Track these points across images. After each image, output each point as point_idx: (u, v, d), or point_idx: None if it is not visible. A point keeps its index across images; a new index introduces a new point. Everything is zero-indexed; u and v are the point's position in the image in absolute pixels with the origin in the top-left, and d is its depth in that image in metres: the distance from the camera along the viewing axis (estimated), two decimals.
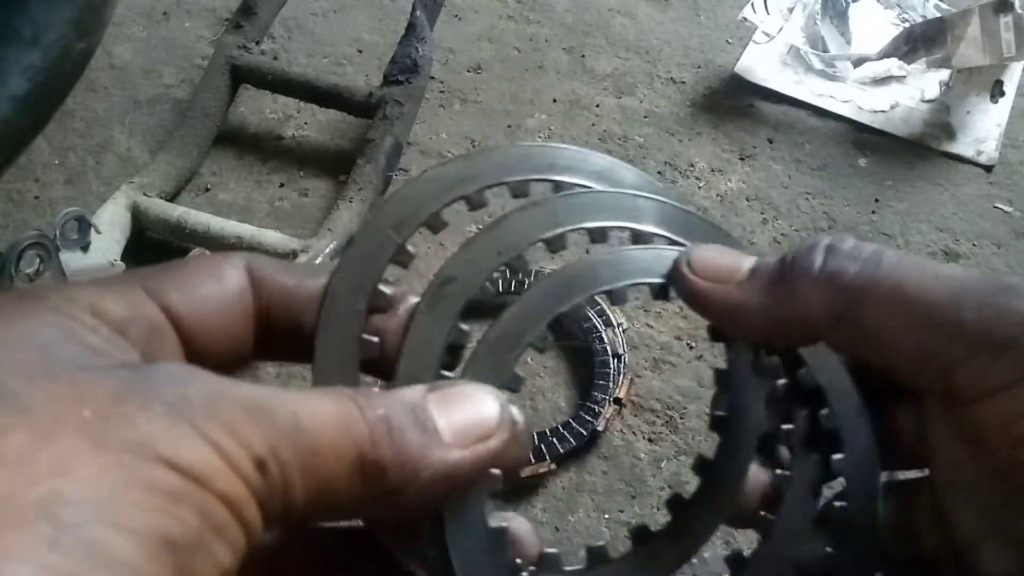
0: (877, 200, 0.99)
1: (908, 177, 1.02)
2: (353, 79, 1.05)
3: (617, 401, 0.79)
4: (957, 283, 0.25)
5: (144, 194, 0.87)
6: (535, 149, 0.30)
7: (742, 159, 1.02)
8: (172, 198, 0.91)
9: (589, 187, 0.30)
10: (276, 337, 0.27)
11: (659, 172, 0.99)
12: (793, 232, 0.96)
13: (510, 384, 0.28)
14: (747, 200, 0.98)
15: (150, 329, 0.23)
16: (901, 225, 0.98)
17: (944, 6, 1.18)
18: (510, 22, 1.14)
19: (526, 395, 0.80)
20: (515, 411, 0.26)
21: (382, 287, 0.28)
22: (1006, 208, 1.00)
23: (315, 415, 0.22)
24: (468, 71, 1.08)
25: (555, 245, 0.29)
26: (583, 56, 1.10)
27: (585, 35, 1.13)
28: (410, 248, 0.28)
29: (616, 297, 0.29)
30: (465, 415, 0.24)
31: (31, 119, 0.75)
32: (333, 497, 0.22)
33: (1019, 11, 1.01)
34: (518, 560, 0.27)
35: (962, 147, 1.05)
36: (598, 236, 0.29)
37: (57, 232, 0.71)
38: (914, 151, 1.04)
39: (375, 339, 0.27)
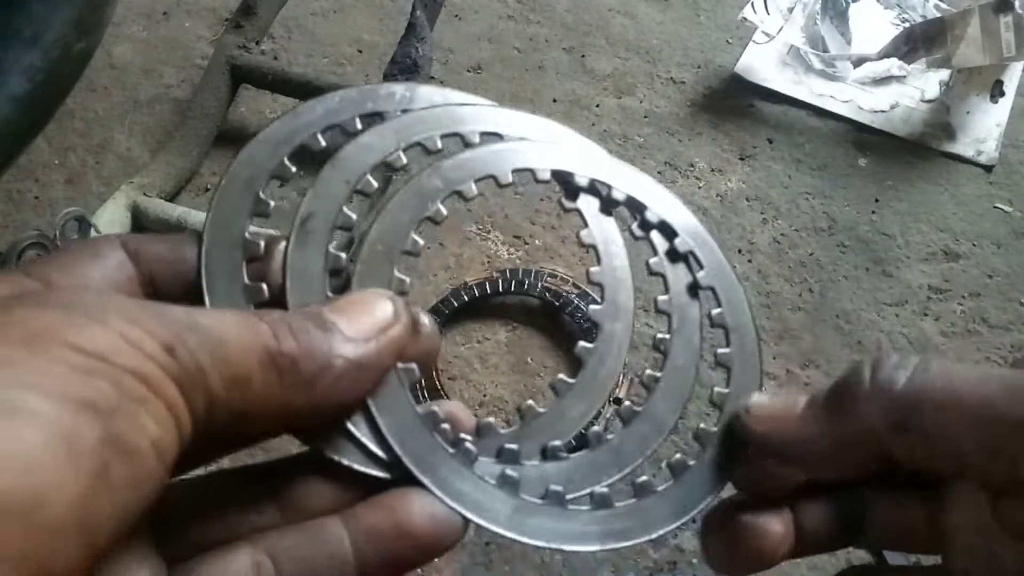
0: (877, 200, 0.99)
1: (908, 177, 1.02)
2: (353, 79, 1.05)
3: (617, 401, 0.79)
4: (1010, 378, 0.25)
5: (144, 194, 0.87)
6: (351, 92, 0.32)
7: (742, 159, 1.02)
8: (172, 198, 0.91)
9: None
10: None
11: (659, 172, 0.99)
12: (793, 232, 0.96)
13: (397, 288, 0.29)
14: (747, 200, 0.98)
15: None
16: (901, 225, 0.98)
17: (944, 6, 1.18)
18: (510, 22, 1.14)
19: (526, 395, 0.80)
20: (412, 308, 0.27)
21: (250, 236, 0.30)
22: (1006, 208, 1.00)
23: (214, 315, 0.23)
24: (468, 71, 1.08)
25: (396, 164, 0.31)
26: (583, 56, 1.10)
27: (585, 35, 1.13)
28: (264, 197, 0.30)
29: (466, 192, 0.31)
30: (361, 313, 0.26)
31: (31, 119, 0.74)
32: (251, 391, 0.22)
33: (1019, 11, 1.01)
34: (460, 434, 0.28)
35: (962, 147, 1.05)
36: (431, 148, 0.32)
37: (57, 232, 0.71)
38: (914, 151, 1.04)
39: (260, 283, 0.28)
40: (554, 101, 1.05)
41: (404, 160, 0.31)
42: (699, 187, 0.98)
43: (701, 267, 0.34)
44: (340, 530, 0.25)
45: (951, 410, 0.25)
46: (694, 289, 0.34)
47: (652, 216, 0.34)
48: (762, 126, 1.05)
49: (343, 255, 0.29)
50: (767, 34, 1.10)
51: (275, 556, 0.25)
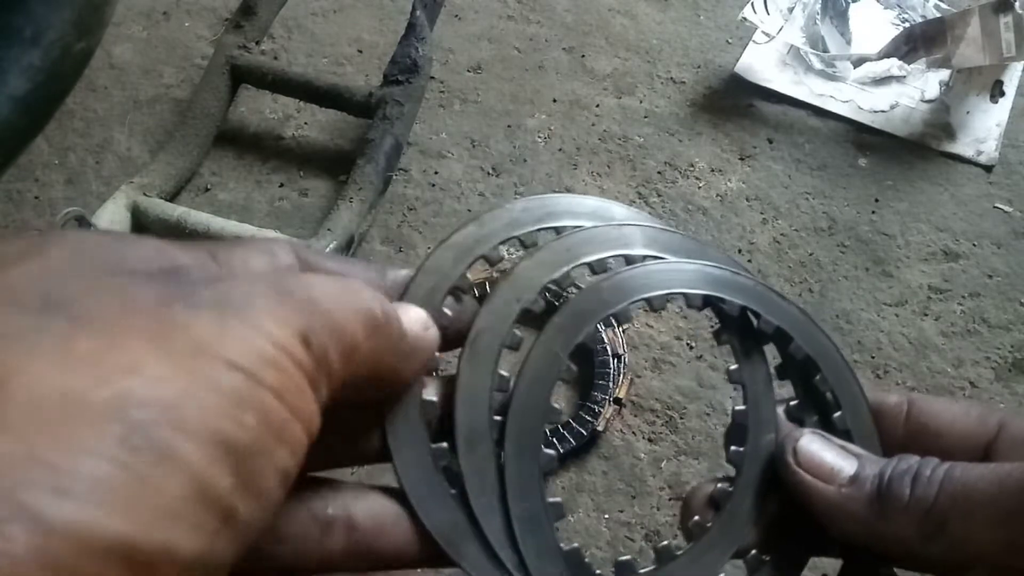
0: (877, 200, 0.99)
1: (908, 177, 1.02)
2: (353, 79, 1.05)
3: (617, 401, 0.79)
4: (1019, 473, 0.28)
5: (144, 194, 0.87)
6: (533, 202, 0.33)
7: (742, 159, 1.02)
8: (172, 198, 0.91)
9: (583, 226, 0.33)
10: None
11: (659, 172, 0.99)
12: (793, 232, 0.96)
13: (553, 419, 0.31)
14: (747, 200, 0.98)
15: None
16: (901, 225, 0.98)
17: (944, 6, 1.18)
18: (510, 22, 1.14)
19: None
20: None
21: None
22: (1006, 208, 1.00)
23: (319, 284, 0.23)
24: (468, 71, 1.08)
25: (564, 283, 0.33)
26: (583, 56, 1.10)
27: (585, 35, 1.13)
28: (446, 311, 0.31)
29: (622, 317, 0.32)
30: (406, 310, 0.28)
31: (31, 119, 0.74)
32: (357, 357, 0.23)
33: (1019, 11, 1.01)
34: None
35: (962, 147, 1.05)
36: (598, 267, 0.33)
37: None
38: (914, 151, 1.04)
39: (434, 399, 0.30)
40: (554, 101, 1.05)
41: (572, 279, 0.33)
42: (699, 187, 0.98)
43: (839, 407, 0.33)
44: None
45: (977, 517, 0.28)
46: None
47: (796, 351, 0.33)
48: (762, 126, 1.05)
49: (507, 373, 0.30)
50: (767, 34, 1.10)
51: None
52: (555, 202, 0.34)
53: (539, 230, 0.33)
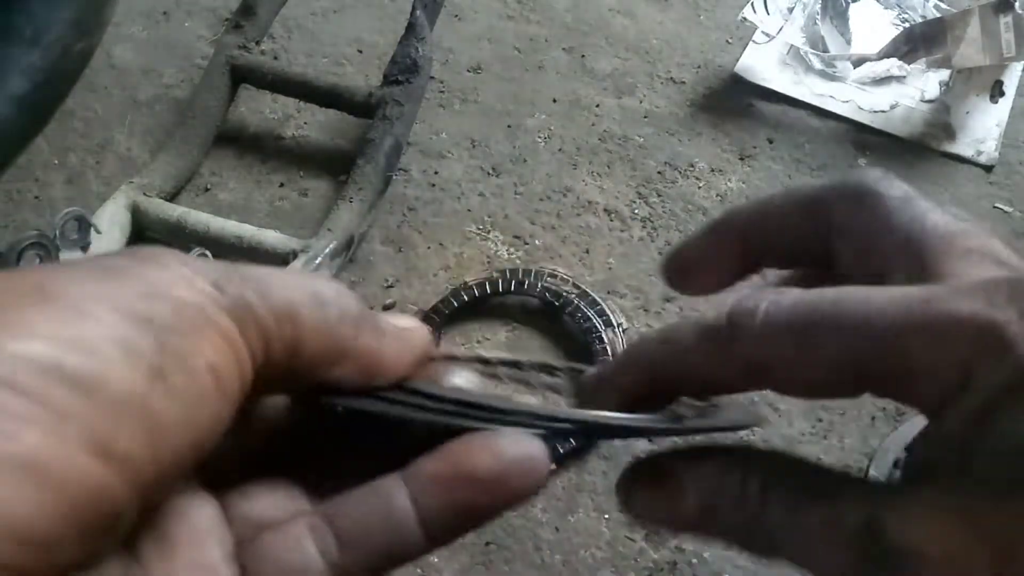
0: None
1: (908, 177, 1.01)
2: (353, 79, 1.05)
3: None
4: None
5: (144, 194, 0.87)
6: None
7: (742, 159, 1.02)
8: (172, 198, 0.91)
9: None
10: None
11: (659, 172, 0.99)
12: None
13: None
14: (747, 200, 0.98)
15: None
16: None
17: (944, 6, 1.18)
18: (510, 22, 1.14)
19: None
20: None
21: None
22: (1006, 208, 1.00)
23: (256, 268, 0.24)
24: (468, 71, 1.08)
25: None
26: (583, 56, 1.10)
27: (585, 35, 1.13)
28: None
29: None
30: (390, 317, 0.27)
31: (31, 119, 0.75)
32: (300, 326, 0.23)
33: (1019, 11, 1.01)
34: None
35: (962, 147, 1.05)
36: None
37: (57, 232, 0.71)
38: (914, 151, 1.04)
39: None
40: (554, 101, 1.05)
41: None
42: (699, 187, 0.98)
43: None
44: (398, 485, 0.24)
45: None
46: None
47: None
48: (762, 126, 1.05)
49: None
50: (767, 34, 1.10)
51: (331, 517, 0.24)
52: None
53: None
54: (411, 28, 0.96)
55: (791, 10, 1.13)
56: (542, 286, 0.83)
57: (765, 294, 0.25)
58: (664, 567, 0.72)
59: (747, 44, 1.12)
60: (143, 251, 0.22)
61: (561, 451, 0.75)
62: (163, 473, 0.20)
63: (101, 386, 0.18)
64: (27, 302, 0.19)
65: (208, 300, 0.21)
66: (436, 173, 0.97)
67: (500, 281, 0.83)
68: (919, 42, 1.04)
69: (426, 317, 0.81)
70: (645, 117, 1.05)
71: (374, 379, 0.25)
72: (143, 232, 0.87)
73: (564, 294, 0.82)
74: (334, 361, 0.24)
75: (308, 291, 0.23)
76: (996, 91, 1.10)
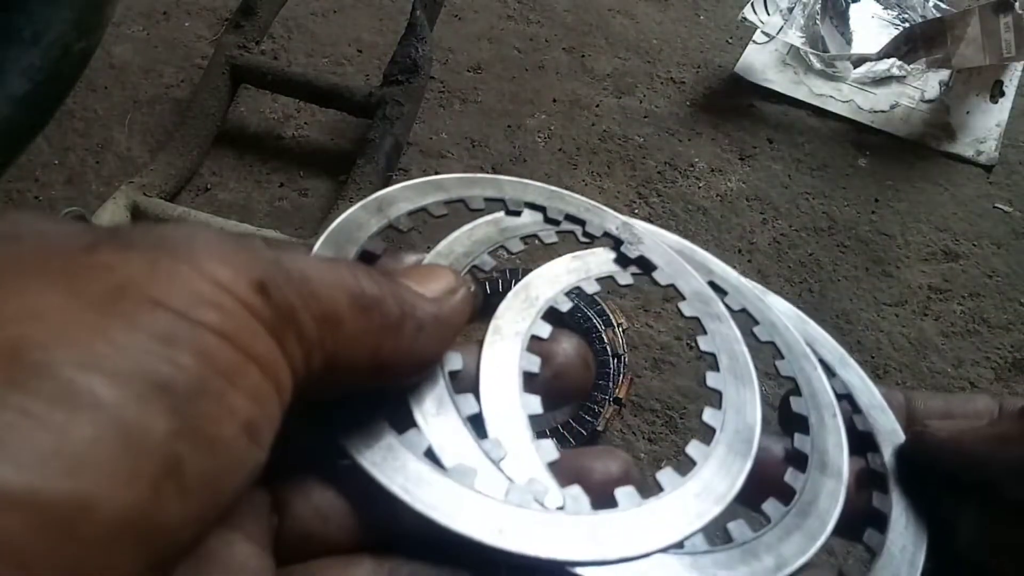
0: (877, 200, 0.99)
1: (908, 177, 1.02)
2: (353, 79, 1.05)
3: (617, 401, 0.79)
4: None
5: (144, 194, 0.87)
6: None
7: (742, 159, 1.02)
8: (172, 198, 0.91)
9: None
10: None
11: (659, 172, 0.99)
12: (793, 232, 0.96)
13: None
14: (747, 200, 0.98)
15: None
16: (901, 225, 0.98)
17: (944, 6, 1.18)
18: (510, 22, 1.14)
19: None
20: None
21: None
22: (1006, 208, 1.00)
23: (293, 254, 0.20)
24: (468, 71, 1.08)
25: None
26: (583, 56, 1.10)
27: (585, 35, 1.13)
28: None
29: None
30: (428, 278, 0.25)
31: (31, 119, 0.74)
32: (343, 332, 0.20)
33: (1019, 11, 1.01)
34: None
35: (962, 147, 1.05)
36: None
37: None
38: (914, 151, 1.04)
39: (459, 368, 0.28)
40: (554, 101, 1.05)
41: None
42: (699, 187, 0.98)
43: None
44: None
45: None
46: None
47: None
48: (762, 126, 1.05)
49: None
50: (767, 34, 1.10)
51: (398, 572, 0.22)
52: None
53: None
54: (411, 28, 0.96)
55: (791, 10, 1.13)
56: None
57: None
58: None
59: (747, 44, 1.12)
60: (167, 236, 0.18)
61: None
62: (177, 559, 0.17)
63: (84, 517, 0.14)
64: None
65: (248, 319, 0.18)
66: (436, 173, 0.97)
67: (500, 281, 0.83)
68: (919, 42, 1.04)
69: None
70: (645, 117, 1.05)
71: (409, 379, 0.24)
72: None
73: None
74: (370, 373, 0.22)
75: (350, 291, 0.21)
76: (996, 91, 1.10)
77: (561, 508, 0.23)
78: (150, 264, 0.17)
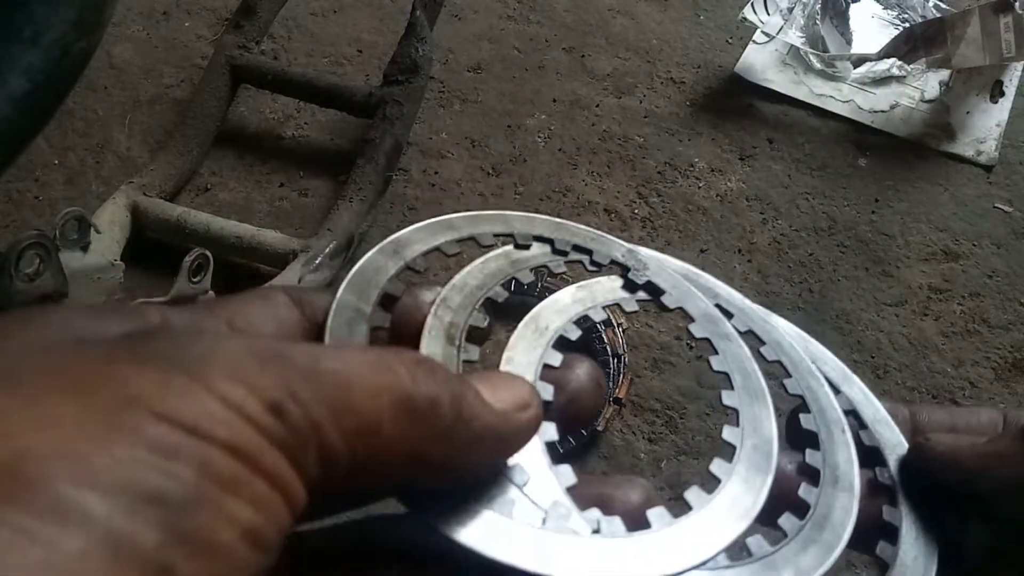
0: (877, 200, 0.99)
1: (908, 177, 1.02)
2: (353, 79, 1.05)
3: (617, 401, 0.79)
4: None
5: (144, 194, 0.87)
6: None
7: (742, 159, 1.02)
8: (172, 198, 0.91)
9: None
10: None
11: (659, 172, 0.99)
12: (793, 232, 0.96)
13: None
14: (747, 200, 0.98)
15: None
16: (901, 225, 0.98)
17: (944, 6, 1.18)
18: (510, 22, 1.14)
19: None
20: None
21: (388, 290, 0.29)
22: (1006, 208, 1.00)
23: (344, 356, 0.20)
24: (468, 71, 1.08)
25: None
26: (583, 56, 1.10)
27: (585, 35, 1.13)
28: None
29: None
30: (501, 387, 0.24)
31: (31, 119, 0.74)
32: (379, 439, 0.20)
33: (1019, 11, 1.01)
34: None
35: (962, 147, 1.05)
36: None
37: (57, 232, 0.71)
38: (914, 151, 1.04)
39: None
40: (554, 101, 1.05)
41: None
42: (699, 187, 0.98)
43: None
44: None
45: None
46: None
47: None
48: (762, 126, 1.05)
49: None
50: (767, 34, 1.10)
51: None
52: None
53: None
54: (411, 28, 0.96)
55: (791, 10, 1.13)
56: (542, 286, 0.83)
57: None
58: None
59: (747, 44, 1.12)
60: (187, 351, 0.19)
61: (561, 451, 0.75)
62: None
63: None
64: None
65: (256, 437, 0.18)
66: (436, 173, 0.97)
67: (513, 282, 0.83)
68: (919, 42, 1.04)
69: None
70: (645, 117, 1.05)
71: (448, 487, 0.23)
72: (143, 232, 0.87)
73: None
74: (409, 473, 0.21)
75: (399, 395, 0.20)
76: (996, 91, 1.10)
77: (596, 532, 0.24)
78: (163, 380, 0.18)
